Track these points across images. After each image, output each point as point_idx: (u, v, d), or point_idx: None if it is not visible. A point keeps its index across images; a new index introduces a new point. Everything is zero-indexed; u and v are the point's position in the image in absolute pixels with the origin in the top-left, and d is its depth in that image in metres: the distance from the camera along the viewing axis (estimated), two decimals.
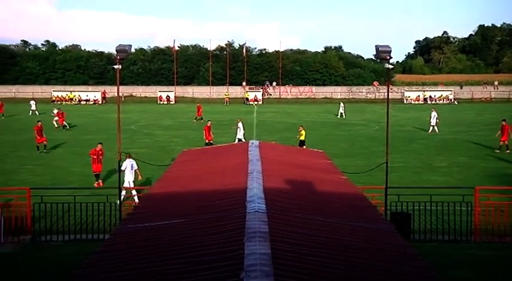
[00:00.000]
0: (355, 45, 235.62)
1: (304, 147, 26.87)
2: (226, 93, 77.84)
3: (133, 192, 19.60)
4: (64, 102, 73.83)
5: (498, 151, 30.80)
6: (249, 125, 46.63)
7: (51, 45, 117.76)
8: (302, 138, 30.51)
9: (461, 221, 15.23)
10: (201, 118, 41.01)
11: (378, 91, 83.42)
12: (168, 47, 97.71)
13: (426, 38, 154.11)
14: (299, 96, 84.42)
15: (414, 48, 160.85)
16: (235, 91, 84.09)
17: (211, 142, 31.48)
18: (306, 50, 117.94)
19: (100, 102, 74.88)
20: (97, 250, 6.85)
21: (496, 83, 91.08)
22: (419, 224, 15.49)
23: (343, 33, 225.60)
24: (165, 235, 6.94)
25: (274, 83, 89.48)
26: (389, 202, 15.39)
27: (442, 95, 77.61)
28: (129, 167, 20.31)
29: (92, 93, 77.26)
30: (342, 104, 56.31)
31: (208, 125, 32.73)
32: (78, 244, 14.65)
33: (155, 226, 7.43)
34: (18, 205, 15.91)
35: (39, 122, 31.71)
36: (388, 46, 14.60)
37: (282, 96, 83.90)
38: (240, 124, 33.91)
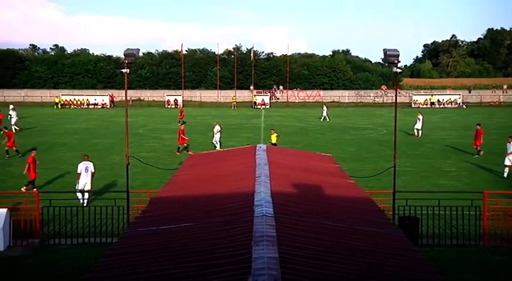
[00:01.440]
0: (363, 49, 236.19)
1: None
2: (234, 97, 77.85)
3: (84, 195, 19.18)
4: (72, 106, 74.72)
5: (483, 152, 30.78)
6: (257, 129, 46.68)
7: (59, 50, 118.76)
8: (274, 141, 30.68)
9: (470, 226, 15.16)
10: (184, 122, 41.37)
11: (385, 95, 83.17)
12: (175, 51, 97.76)
13: (434, 41, 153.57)
14: (307, 100, 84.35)
15: (422, 52, 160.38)
16: (243, 95, 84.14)
17: (185, 145, 31.36)
18: (314, 54, 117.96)
19: (108, 106, 75.22)
20: (105, 253, 6.88)
21: (505, 87, 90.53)
22: (427, 229, 15.43)
23: (351, 37, 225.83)
24: (173, 239, 6.96)
25: (281, 87, 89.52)
26: (397, 206, 15.33)
27: (450, 99, 77.31)
28: (83, 169, 19.98)
29: (100, 97, 77.66)
30: (325, 108, 56.76)
31: (181, 128, 32.42)
32: (87, 248, 14.73)
33: (163, 230, 7.45)
34: (27, 208, 15.98)
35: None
36: (396, 50, 14.56)
37: (289, 100, 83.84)
38: (216, 127, 33.68)
